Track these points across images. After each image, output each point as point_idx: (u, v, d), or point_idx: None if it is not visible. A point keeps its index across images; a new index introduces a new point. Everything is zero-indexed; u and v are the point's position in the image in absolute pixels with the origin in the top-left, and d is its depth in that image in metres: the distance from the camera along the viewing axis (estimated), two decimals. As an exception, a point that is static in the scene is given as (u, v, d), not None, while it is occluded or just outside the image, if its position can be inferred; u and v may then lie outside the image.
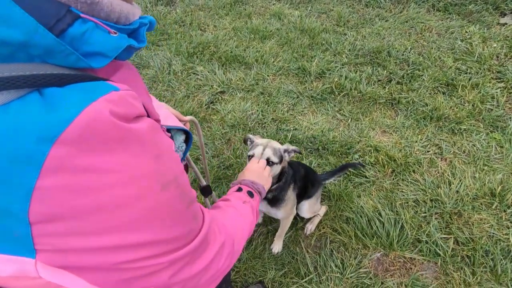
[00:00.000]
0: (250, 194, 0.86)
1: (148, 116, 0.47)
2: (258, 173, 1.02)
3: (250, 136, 1.38)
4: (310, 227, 1.91)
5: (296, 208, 1.74)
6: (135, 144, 0.38)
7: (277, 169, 1.32)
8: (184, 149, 0.71)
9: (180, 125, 0.70)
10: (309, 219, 1.93)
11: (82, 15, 0.38)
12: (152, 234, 0.41)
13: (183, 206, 0.46)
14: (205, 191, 1.09)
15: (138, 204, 0.39)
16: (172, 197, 0.43)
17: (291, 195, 1.54)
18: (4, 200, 0.33)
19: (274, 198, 1.49)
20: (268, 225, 1.96)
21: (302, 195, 1.70)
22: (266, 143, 1.28)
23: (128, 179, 0.38)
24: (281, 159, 1.31)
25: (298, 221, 1.94)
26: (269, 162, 1.22)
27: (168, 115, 0.72)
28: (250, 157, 1.25)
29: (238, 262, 1.81)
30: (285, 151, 1.33)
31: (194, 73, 2.98)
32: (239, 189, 0.87)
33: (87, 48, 0.39)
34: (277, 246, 1.85)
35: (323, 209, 1.94)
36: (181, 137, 0.70)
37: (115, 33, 0.41)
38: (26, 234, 0.35)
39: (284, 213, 1.57)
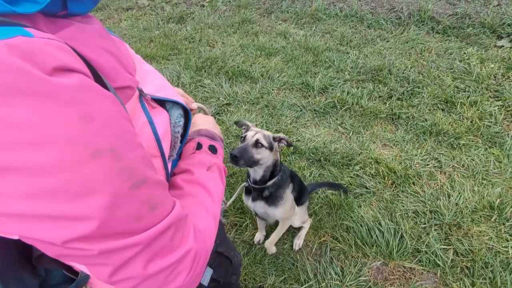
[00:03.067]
0: (213, 149, 0.74)
1: (98, 77, 0.42)
2: (212, 122, 0.87)
3: (248, 123, 1.55)
4: (298, 243, 1.91)
5: None
6: (51, 100, 0.32)
7: (264, 154, 1.39)
8: (182, 124, 0.65)
9: (176, 99, 0.63)
10: (296, 235, 1.95)
11: None
12: (73, 207, 0.34)
13: (124, 184, 0.37)
14: None
15: (55, 170, 0.33)
16: (106, 168, 0.36)
17: (289, 194, 1.58)
18: None
19: (271, 196, 1.53)
20: (269, 232, 1.99)
21: (297, 201, 1.72)
22: (259, 130, 1.45)
23: (40, 139, 0.31)
24: (270, 146, 1.41)
25: (292, 232, 1.98)
26: (257, 144, 1.39)
27: (164, 87, 0.63)
28: (242, 138, 1.44)
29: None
30: (274, 138, 1.44)
31: (201, 86, 3.11)
32: (199, 146, 0.72)
33: None
34: (271, 249, 1.84)
35: (309, 222, 1.97)
36: (178, 111, 0.64)
37: None
38: None
39: (283, 213, 1.58)
